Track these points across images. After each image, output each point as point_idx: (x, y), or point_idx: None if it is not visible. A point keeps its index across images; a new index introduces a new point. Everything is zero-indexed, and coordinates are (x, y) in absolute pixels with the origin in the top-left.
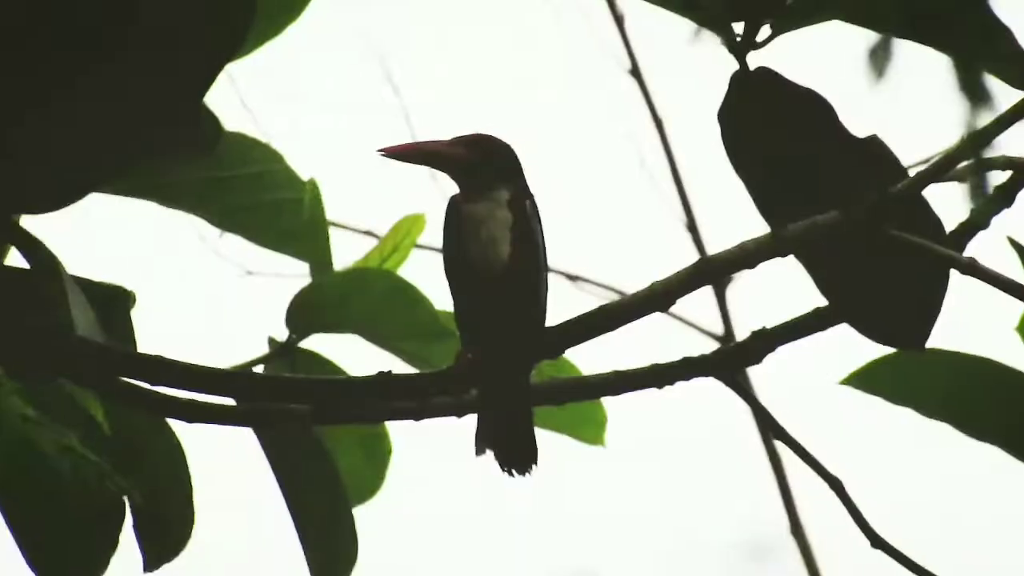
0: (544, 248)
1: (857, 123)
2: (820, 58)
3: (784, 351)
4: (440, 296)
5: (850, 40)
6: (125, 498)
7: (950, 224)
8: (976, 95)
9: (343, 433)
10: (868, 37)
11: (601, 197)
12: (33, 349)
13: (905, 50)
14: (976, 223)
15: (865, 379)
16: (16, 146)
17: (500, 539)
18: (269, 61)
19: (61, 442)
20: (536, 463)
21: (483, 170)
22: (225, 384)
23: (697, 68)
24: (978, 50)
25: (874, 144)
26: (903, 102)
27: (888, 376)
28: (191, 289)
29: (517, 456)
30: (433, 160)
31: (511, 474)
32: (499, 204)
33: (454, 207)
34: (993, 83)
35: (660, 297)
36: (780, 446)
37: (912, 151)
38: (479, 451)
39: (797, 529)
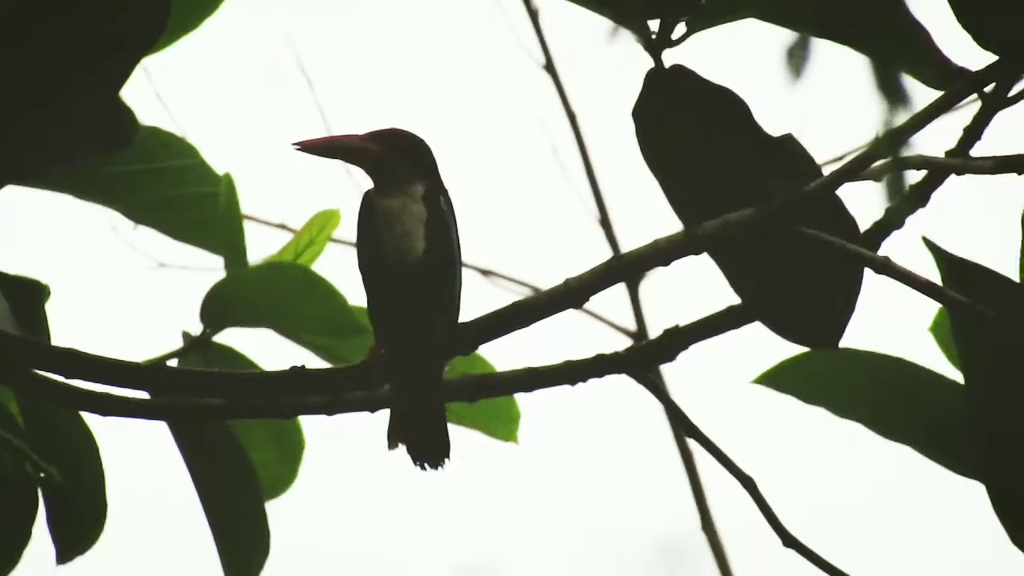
0: (458, 243)
1: (772, 121)
2: (736, 56)
3: (697, 349)
4: (354, 291)
5: (766, 38)
6: (39, 490)
7: (865, 223)
8: (892, 94)
9: (256, 427)
10: (784, 35)
11: (515, 192)
12: None
13: (821, 48)
14: (891, 222)
15: (777, 378)
16: None
17: (411, 534)
18: (185, 55)
19: None
20: (449, 457)
21: (397, 165)
22: (139, 378)
23: (612, 64)
24: (895, 49)
25: (788, 142)
26: (819, 100)
27: (800, 375)
28: (105, 282)
29: (430, 450)
30: (346, 154)
31: (423, 468)
32: (413, 199)
33: (368, 202)
34: (909, 82)
35: (574, 293)
36: (693, 444)
37: (827, 149)
38: (392, 445)
39: (708, 527)
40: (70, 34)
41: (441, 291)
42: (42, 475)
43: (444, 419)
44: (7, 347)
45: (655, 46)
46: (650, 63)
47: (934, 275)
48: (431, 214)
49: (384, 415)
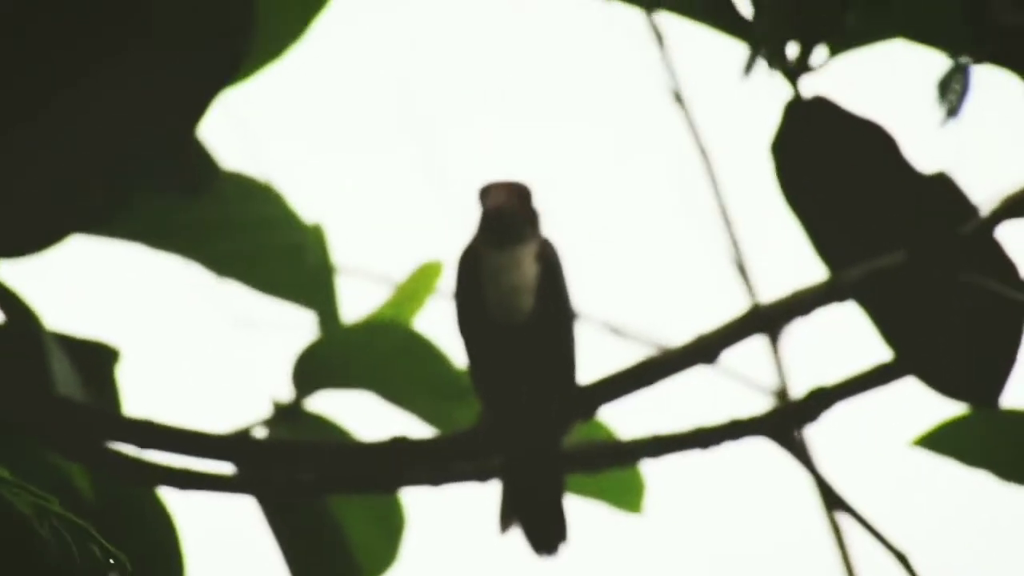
0: (571, 296)
1: (924, 156)
2: (883, 83)
3: (844, 408)
4: (460, 351)
5: (916, 62)
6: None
7: None
8: None
9: (353, 503)
10: (936, 59)
11: (642, 234)
12: (8, 410)
13: (980, 74)
14: None
15: (938, 440)
16: None
17: None
18: (270, 89)
19: (41, 505)
20: (566, 540)
21: (516, 219)
22: (222, 449)
23: (746, 94)
24: None
25: (942, 180)
26: (976, 132)
27: (964, 436)
28: (184, 343)
29: (546, 533)
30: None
31: (539, 553)
32: (521, 250)
33: (470, 254)
34: None
35: (707, 349)
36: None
37: (985, 186)
38: (504, 527)
39: None
40: (137, 63)
41: (555, 349)
42: (111, 561)
43: (562, 496)
44: (74, 417)
45: (793, 73)
46: (788, 92)
47: None
48: (541, 266)
49: (496, 485)
